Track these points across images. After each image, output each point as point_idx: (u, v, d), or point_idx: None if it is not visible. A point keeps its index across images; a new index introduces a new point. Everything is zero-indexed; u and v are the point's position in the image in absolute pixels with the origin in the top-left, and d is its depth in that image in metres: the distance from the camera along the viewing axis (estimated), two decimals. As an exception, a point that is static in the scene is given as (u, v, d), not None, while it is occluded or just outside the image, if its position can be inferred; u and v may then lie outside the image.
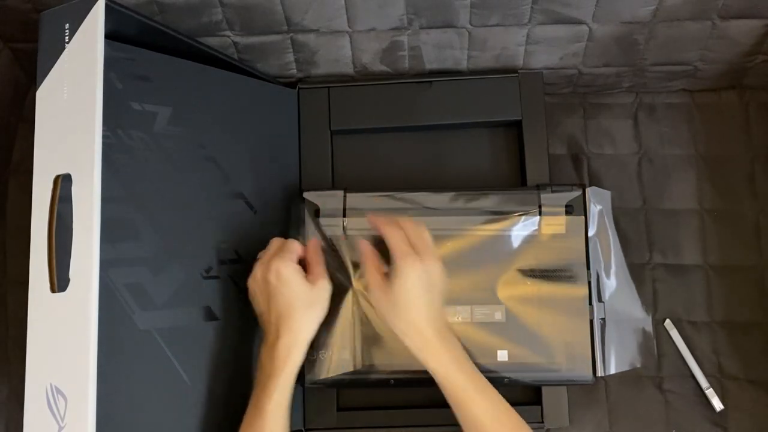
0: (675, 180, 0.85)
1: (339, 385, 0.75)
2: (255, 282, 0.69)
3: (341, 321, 0.75)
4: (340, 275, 0.75)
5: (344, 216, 0.76)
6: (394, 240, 0.67)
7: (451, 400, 0.64)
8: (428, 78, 0.83)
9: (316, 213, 0.76)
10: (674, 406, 0.81)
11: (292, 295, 0.67)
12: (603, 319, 0.75)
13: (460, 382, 0.64)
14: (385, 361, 0.74)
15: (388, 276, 0.67)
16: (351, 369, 0.74)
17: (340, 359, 0.74)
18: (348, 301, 0.75)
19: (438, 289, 0.67)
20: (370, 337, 0.74)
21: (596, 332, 0.74)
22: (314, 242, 0.73)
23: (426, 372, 0.73)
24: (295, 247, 0.70)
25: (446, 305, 0.74)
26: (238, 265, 0.72)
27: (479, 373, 0.66)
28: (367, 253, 0.70)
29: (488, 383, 0.65)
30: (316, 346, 0.74)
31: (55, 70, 0.59)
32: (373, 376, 0.74)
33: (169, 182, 0.68)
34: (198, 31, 0.75)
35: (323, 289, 0.69)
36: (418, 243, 0.67)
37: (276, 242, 0.71)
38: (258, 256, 0.71)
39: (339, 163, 0.84)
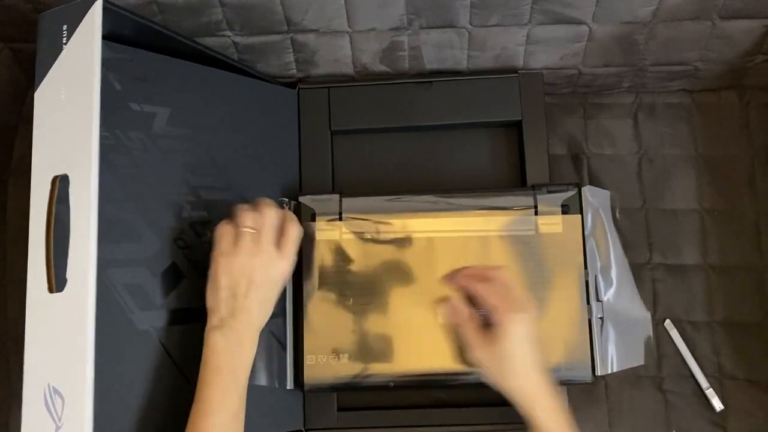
0: (675, 180, 0.85)
1: (338, 389, 0.75)
2: (225, 266, 0.64)
3: (340, 325, 0.75)
4: (337, 280, 0.75)
5: (340, 220, 0.76)
6: (493, 297, 0.65)
7: None
8: (428, 78, 0.83)
9: (312, 217, 0.76)
10: (674, 406, 0.81)
11: (272, 287, 0.65)
12: (602, 319, 0.75)
13: None
14: (384, 365, 0.74)
15: (486, 331, 0.65)
16: (350, 373, 0.74)
17: (339, 363, 0.74)
18: (346, 305, 0.75)
19: (536, 341, 0.65)
20: (369, 340, 0.74)
21: (595, 332, 0.74)
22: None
23: (426, 375, 0.74)
24: (272, 227, 0.66)
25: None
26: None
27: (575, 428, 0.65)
28: (461, 312, 0.67)
29: None
30: (315, 350, 0.74)
31: (53, 71, 0.59)
32: (373, 380, 0.74)
33: (168, 183, 0.68)
34: (198, 32, 0.75)
35: (287, 269, 0.66)
36: (512, 294, 0.65)
37: (248, 218, 0.65)
38: (219, 226, 0.65)
39: (339, 164, 0.84)
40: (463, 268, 0.70)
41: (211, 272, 0.64)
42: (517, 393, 0.64)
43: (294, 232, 0.67)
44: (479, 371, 0.66)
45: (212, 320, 0.63)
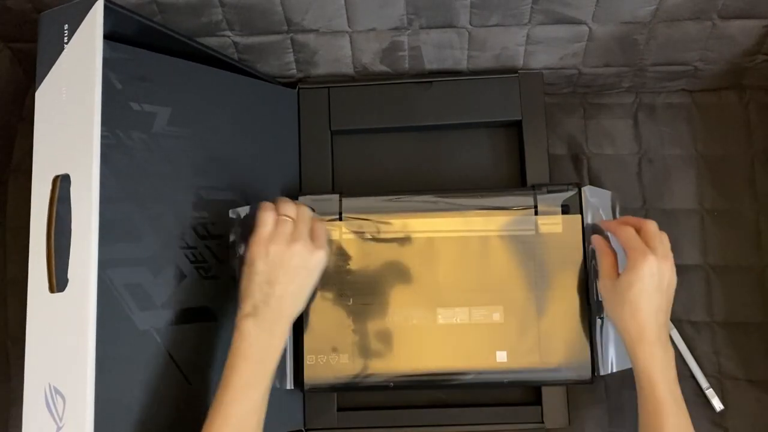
0: (675, 180, 0.85)
1: (338, 389, 0.75)
2: (263, 251, 0.64)
3: (340, 325, 0.75)
4: (337, 280, 0.75)
5: (340, 220, 0.76)
6: (628, 237, 0.69)
7: (643, 404, 0.66)
8: (428, 78, 0.83)
9: None
10: (674, 407, 0.81)
11: (307, 276, 0.66)
12: (602, 318, 0.75)
13: (660, 389, 0.65)
14: (384, 365, 0.74)
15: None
16: (350, 373, 0.74)
17: (339, 363, 0.74)
18: (346, 305, 0.75)
19: (667, 294, 0.68)
20: (369, 340, 0.74)
21: (596, 331, 0.74)
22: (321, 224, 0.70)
23: (425, 375, 0.74)
24: (308, 219, 0.68)
25: (444, 307, 0.74)
26: (237, 264, 0.73)
27: (679, 390, 0.66)
28: (604, 248, 0.71)
29: (683, 403, 0.65)
30: (315, 350, 0.74)
31: (54, 70, 0.59)
32: (373, 380, 0.74)
33: (168, 182, 0.68)
34: (198, 32, 0.75)
35: (322, 259, 0.67)
36: (655, 241, 0.68)
37: (289, 208, 0.67)
38: (261, 210, 0.66)
39: (339, 164, 0.84)
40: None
41: (248, 257, 0.65)
42: (626, 330, 0.67)
43: (323, 227, 0.70)
44: (603, 302, 0.71)
45: (245, 307, 0.64)
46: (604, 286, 0.70)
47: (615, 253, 0.71)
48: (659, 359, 0.66)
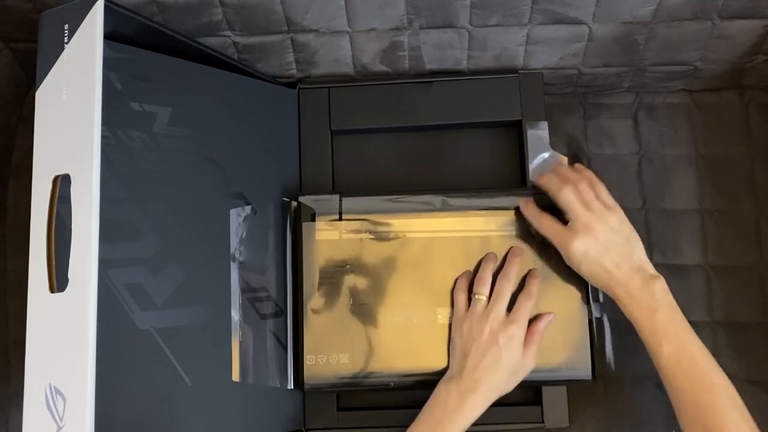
0: (675, 180, 0.85)
1: (338, 389, 0.75)
2: (476, 329, 0.70)
3: (340, 325, 0.75)
4: (337, 280, 0.75)
5: (340, 220, 0.76)
6: (548, 227, 0.72)
7: (643, 341, 0.68)
8: (428, 78, 0.83)
9: (312, 217, 0.76)
10: (674, 406, 0.81)
11: (510, 363, 0.69)
12: (602, 318, 0.75)
13: (648, 325, 0.67)
14: (384, 365, 0.74)
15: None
16: (350, 373, 0.74)
17: (339, 363, 0.74)
18: (346, 305, 0.75)
19: (623, 234, 0.70)
20: (369, 340, 0.74)
21: (595, 332, 0.74)
22: (548, 317, 0.73)
23: (426, 374, 0.74)
24: (527, 311, 0.72)
25: (444, 307, 0.74)
26: (237, 264, 0.73)
27: (674, 316, 0.67)
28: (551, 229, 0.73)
29: (682, 324, 0.67)
30: (315, 350, 0.74)
31: (54, 70, 0.59)
32: (373, 380, 0.74)
33: (169, 182, 0.68)
34: (198, 32, 0.75)
35: (531, 362, 0.71)
36: (587, 197, 0.71)
37: (506, 286, 0.72)
38: (476, 295, 0.72)
39: (339, 164, 0.84)
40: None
41: (451, 333, 0.73)
42: (609, 291, 0.69)
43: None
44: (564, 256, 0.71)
45: (447, 372, 0.71)
46: (571, 264, 0.71)
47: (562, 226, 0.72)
48: (641, 300, 0.68)
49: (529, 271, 0.74)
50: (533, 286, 0.73)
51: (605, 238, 0.69)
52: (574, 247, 0.69)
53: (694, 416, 0.63)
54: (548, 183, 0.73)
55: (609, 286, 0.69)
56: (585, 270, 0.70)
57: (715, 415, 0.62)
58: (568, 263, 0.71)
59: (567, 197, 0.71)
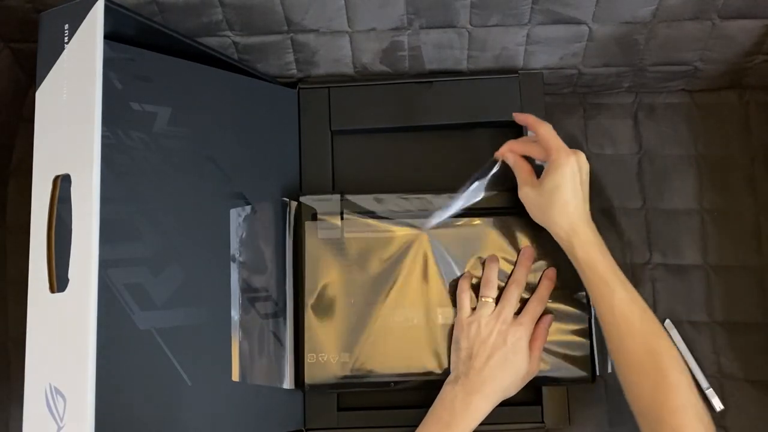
0: (675, 180, 0.85)
1: (338, 388, 0.75)
2: (484, 330, 0.71)
3: (340, 325, 0.75)
4: (337, 280, 0.75)
5: (342, 219, 0.76)
6: (549, 135, 0.70)
7: (590, 287, 0.68)
8: (428, 78, 0.83)
9: (313, 217, 0.76)
10: (674, 406, 0.81)
11: (516, 365, 0.70)
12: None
13: (601, 268, 0.66)
14: (384, 365, 0.74)
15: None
16: (350, 373, 0.74)
17: (339, 363, 0.74)
18: (346, 305, 0.75)
19: (587, 182, 0.70)
20: (369, 340, 0.74)
21: (595, 331, 0.74)
22: (548, 319, 0.74)
23: (426, 374, 0.74)
24: (536, 315, 0.73)
25: (444, 307, 0.75)
26: (238, 264, 0.73)
27: (617, 267, 0.67)
28: (518, 159, 0.73)
29: (625, 277, 0.67)
30: (315, 349, 0.74)
31: (54, 70, 0.59)
32: (374, 379, 0.74)
33: (169, 182, 0.68)
34: (198, 31, 0.75)
35: (536, 366, 0.72)
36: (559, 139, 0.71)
37: (515, 290, 0.73)
38: (483, 297, 0.73)
39: (339, 164, 0.83)
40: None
41: (454, 334, 0.73)
42: (557, 225, 0.68)
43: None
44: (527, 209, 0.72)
45: (452, 374, 0.71)
46: (526, 195, 0.71)
47: (530, 163, 0.73)
48: (595, 243, 0.68)
49: (544, 271, 0.75)
50: (545, 290, 0.73)
51: (586, 168, 0.70)
52: (570, 160, 0.68)
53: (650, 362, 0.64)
54: (527, 118, 0.74)
55: (576, 222, 0.68)
56: (562, 192, 0.68)
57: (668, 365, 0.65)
58: (531, 188, 0.71)
59: (548, 130, 0.71)
